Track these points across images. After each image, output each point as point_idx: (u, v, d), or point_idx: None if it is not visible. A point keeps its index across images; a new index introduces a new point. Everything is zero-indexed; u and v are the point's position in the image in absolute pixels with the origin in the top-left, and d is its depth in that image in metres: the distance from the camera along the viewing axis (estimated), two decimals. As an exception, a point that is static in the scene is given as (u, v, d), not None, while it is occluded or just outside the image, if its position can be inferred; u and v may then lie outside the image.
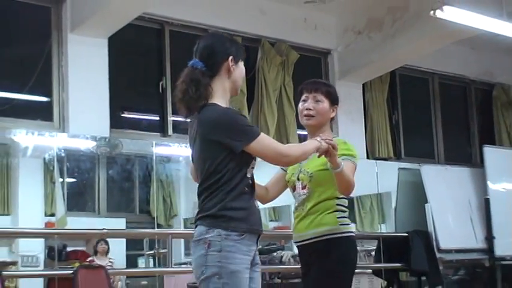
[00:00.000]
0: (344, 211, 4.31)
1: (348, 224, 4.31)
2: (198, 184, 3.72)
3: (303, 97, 4.43)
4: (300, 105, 4.44)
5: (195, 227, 3.66)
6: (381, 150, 11.41)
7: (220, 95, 3.69)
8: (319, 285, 4.18)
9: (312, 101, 4.38)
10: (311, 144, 3.80)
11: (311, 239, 4.24)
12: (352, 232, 4.32)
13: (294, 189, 4.35)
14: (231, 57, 3.76)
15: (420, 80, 12.49)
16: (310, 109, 4.37)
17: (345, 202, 4.33)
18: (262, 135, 3.64)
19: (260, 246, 13.41)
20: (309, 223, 4.26)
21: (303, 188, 4.29)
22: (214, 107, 3.65)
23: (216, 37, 3.96)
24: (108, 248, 10.62)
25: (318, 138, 3.82)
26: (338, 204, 4.27)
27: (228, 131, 3.58)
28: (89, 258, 10.49)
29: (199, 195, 3.67)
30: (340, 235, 4.21)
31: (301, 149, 3.77)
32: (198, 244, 3.57)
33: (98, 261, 10.28)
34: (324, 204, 4.22)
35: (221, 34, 4.03)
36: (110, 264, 10.68)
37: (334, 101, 4.48)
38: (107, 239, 10.45)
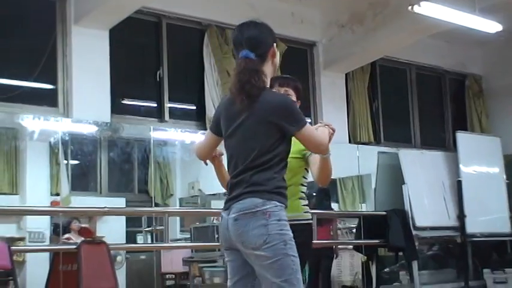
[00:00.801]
0: (305, 198, 4.32)
1: (308, 212, 4.32)
2: (239, 160, 3.61)
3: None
4: None
5: (238, 200, 3.54)
6: (362, 135, 11.43)
7: (267, 80, 3.68)
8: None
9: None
10: (326, 131, 3.77)
11: (292, 220, 4.01)
12: (311, 220, 4.33)
13: None
14: (275, 44, 3.75)
15: (398, 71, 12.49)
16: None
17: (305, 190, 4.34)
18: (308, 125, 3.62)
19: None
20: (290, 206, 4.11)
21: None
22: (272, 91, 3.72)
23: (259, 26, 3.81)
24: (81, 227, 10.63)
25: (323, 124, 3.82)
26: (301, 192, 4.27)
27: (286, 115, 3.56)
28: (66, 236, 10.44)
29: (244, 171, 3.56)
30: (303, 221, 4.21)
31: (328, 138, 3.76)
32: (254, 215, 3.47)
33: (74, 237, 10.27)
34: (290, 189, 4.16)
35: (261, 22, 3.85)
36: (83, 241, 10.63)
37: (299, 96, 4.41)
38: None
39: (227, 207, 3.58)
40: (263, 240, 3.44)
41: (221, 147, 3.88)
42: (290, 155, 4.04)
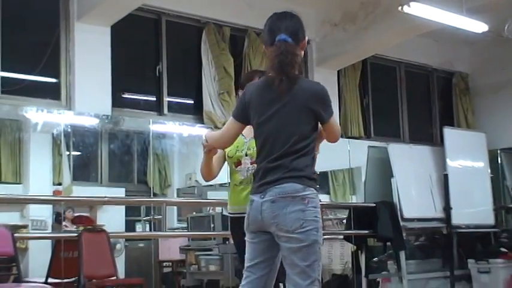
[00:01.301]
0: None
1: None
2: (277, 144, 3.52)
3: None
4: None
5: (276, 184, 3.48)
6: (353, 130, 11.45)
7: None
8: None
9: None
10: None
11: None
12: None
13: (238, 164, 4.24)
14: (307, 37, 3.73)
15: (388, 68, 12.49)
16: None
17: None
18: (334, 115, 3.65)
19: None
20: None
21: (253, 162, 4.11)
22: (306, 79, 3.77)
23: (297, 17, 3.80)
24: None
25: None
26: None
27: (323, 103, 3.55)
28: (63, 223, 10.45)
29: (283, 156, 3.49)
30: None
31: None
32: (293, 199, 3.44)
33: (69, 226, 10.28)
34: None
35: (296, 14, 3.84)
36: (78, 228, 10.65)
37: None
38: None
39: (261, 191, 3.51)
40: (299, 224, 3.42)
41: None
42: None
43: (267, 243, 3.56)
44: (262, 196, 3.50)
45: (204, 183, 10.82)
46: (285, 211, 3.43)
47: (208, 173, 4.13)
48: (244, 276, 3.63)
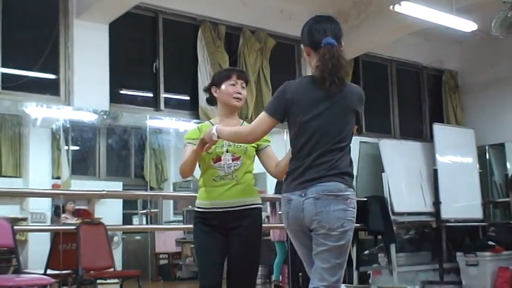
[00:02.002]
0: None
1: None
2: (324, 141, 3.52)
3: (232, 81, 4.24)
4: (230, 87, 4.23)
5: (320, 181, 3.48)
6: (345, 126, 11.45)
7: None
8: (249, 251, 4.20)
9: (240, 86, 4.26)
10: None
11: (241, 206, 4.13)
12: None
13: (217, 160, 4.15)
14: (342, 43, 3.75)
15: (380, 66, 12.50)
16: (240, 93, 4.27)
17: None
18: None
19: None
20: (242, 191, 4.16)
21: (235, 159, 4.16)
22: (350, 82, 3.72)
23: (338, 22, 3.84)
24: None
25: None
26: (253, 178, 4.27)
27: (362, 105, 3.67)
28: (62, 216, 10.46)
29: (327, 153, 3.51)
30: (260, 205, 4.25)
31: None
32: (336, 198, 3.46)
33: (70, 219, 10.30)
34: (249, 176, 4.20)
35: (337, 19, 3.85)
36: (76, 221, 10.67)
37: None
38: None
39: (301, 188, 3.50)
40: (341, 223, 3.46)
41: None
42: (250, 144, 4.07)
43: (310, 241, 3.57)
44: (303, 194, 3.49)
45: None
46: (328, 209, 3.45)
47: (191, 169, 4.12)
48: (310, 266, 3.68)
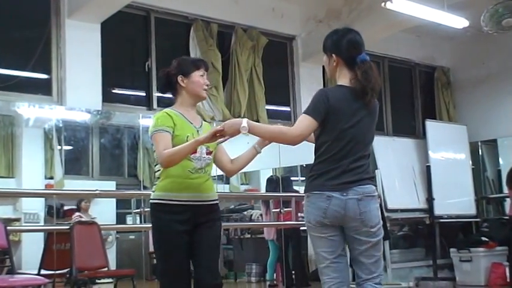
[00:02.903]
0: None
1: None
2: (358, 149, 3.82)
3: (201, 72, 4.25)
4: (201, 78, 4.24)
5: (359, 183, 3.76)
6: (338, 123, 11.44)
7: None
8: (217, 241, 4.24)
9: (205, 78, 4.29)
10: None
11: (212, 200, 4.17)
12: None
13: (193, 152, 4.06)
14: None
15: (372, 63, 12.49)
16: (208, 84, 4.33)
17: None
18: None
19: (232, 206, 13.40)
20: (211, 185, 4.20)
21: (208, 153, 4.15)
22: None
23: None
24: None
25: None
26: None
27: None
28: (76, 214, 10.49)
29: (362, 158, 3.82)
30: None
31: None
32: (373, 199, 3.78)
33: (84, 215, 10.32)
34: (211, 171, 4.22)
35: None
36: (93, 219, 10.70)
37: None
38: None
39: (341, 189, 3.73)
40: (378, 220, 3.79)
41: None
42: (215, 143, 4.02)
43: (341, 237, 3.80)
44: (344, 194, 3.72)
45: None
46: (369, 208, 3.74)
47: (183, 157, 4.00)
48: (333, 267, 3.78)
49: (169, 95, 4.34)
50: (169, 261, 4.05)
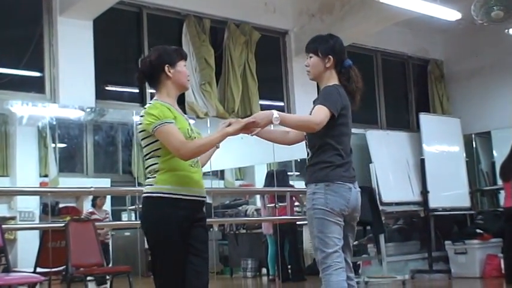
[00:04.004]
0: None
1: None
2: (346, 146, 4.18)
3: (184, 61, 4.09)
4: (185, 68, 4.10)
5: (353, 181, 4.16)
6: (332, 117, 11.44)
7: None
8: (208, 240, 4.08)
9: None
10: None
11: (204, 197, 4.02)
12: None
13: None
14: None
15: (365, 57, 12.51)
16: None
17: None
18: None
19: (227, 201, 13.37)
20: (203, 182, 4.05)
21: None
22: None
23: None
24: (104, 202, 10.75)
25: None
26: None
27: None
28: (90, 210, 10.53)
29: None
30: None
31: None
32: None
33: (98, 212, 10.36)
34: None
35: None
36: (107, 215, 10.77)
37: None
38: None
39: (354, 181, 4.16)
40: None
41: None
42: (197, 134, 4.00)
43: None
44: (355, 187, 4.14)
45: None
46: (361, 203, 4.21)
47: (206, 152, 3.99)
48: (339, 252, 4.03)
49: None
50: (170, 259, 3.86)
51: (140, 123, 3.94)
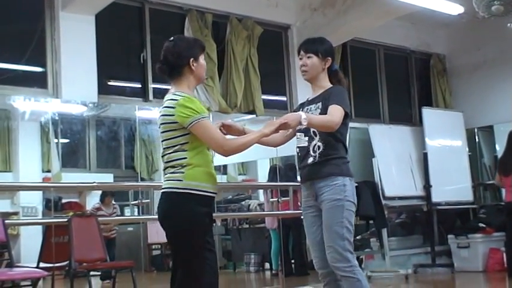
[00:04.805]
0: None
1: None
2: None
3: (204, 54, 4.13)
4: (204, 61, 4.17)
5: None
6: (334, 112, 11.41)
7: None
8: None
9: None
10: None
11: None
12: None
13: None
14: None
15: (368, 51, 12.48)
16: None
17: None
18: None
19: (230, 196, 13.37)
20: None
21: None
22: None
23: None
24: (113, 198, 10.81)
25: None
26: None
27: None
28: (97, 205, 10.55)
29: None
30: None
31: None
32: None
33: (105, 208, 10.39)
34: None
35: None
36: (115, 210, 10.80)
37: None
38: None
39: None
40: None
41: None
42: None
43: None
44: None
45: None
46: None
47: None
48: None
49: (165, 87, 4.24)
50: (209, 259, 3.85)
51: (167, 114, 3.88)
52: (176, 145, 3.85)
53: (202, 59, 4.04)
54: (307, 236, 4.41)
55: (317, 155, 4.24)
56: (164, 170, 3.94)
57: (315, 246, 4.30)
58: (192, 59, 3.96)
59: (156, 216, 3.91)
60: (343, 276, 4.11)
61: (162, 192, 3.89)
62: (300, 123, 3.98)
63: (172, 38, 4.09)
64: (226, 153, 3.85)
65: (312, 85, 4.54)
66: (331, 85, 4.41)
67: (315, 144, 4.25)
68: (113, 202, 11.03)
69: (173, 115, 3.84)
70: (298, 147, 4.40)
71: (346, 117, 4.25)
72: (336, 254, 4.09)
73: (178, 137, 3.85)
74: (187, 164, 3.83)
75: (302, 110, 4.35)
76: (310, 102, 4.44)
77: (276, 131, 3.99)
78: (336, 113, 4.14)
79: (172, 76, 4.03)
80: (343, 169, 4.25)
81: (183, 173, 3.82)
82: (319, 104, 4.30)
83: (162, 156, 3.95)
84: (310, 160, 4.26)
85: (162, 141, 3.92)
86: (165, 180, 3.90)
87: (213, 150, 3.88)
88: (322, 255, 4.20)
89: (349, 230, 4.13)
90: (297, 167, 4.53)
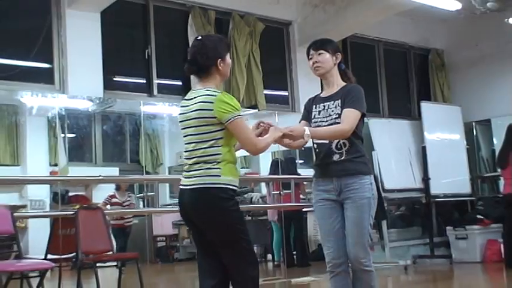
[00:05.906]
0: None
1: None
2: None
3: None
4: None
5: None
6: (335, 106, 11.41)
7: None
8: None
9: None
10: None
11: None
12: None
13: None
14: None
15: (367, 47, 12.48)
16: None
17: None
18: None
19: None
20: None
21: None
22: None
23: None
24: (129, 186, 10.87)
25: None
26: None
27: None
28: (111, 193, 10.58)
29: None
30: None
31: None
32: None
33: (119, 196, 10.43)
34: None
35: None
36: (128, 198, 10.83)
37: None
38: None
39: None
40: None
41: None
42: None
43: None
44: None
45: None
46: None
47: None
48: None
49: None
50: (245, 244, 3.88)
51: (205, 109, 3.85)
52: (211, 140, 3.81)
53: (228, 58, 4.05)
54: (320, 226, 4.35)
55: (344, 152, 4.20)
56: (192, 164, 3.86)
57: (330, 236, 4.24)
58: (219, 60, 3.97)
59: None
60: (365, 270, 4.19)
61: (195, 188, 3.82)
62: (303, 138, 4.09)
63: (200, 37, 4.08)
64: (257, 152, 4.00)
65: (325, 81, 4.47)
66: (344, 83, 4.41)
67: (339, 142, 4.21)
68: (128, 192, 11.08)
69: (212, 110, 3.82)
70: (316, 143, 4.32)
71: (363, 115, 4.33)
72: (363, 250, 4.20)
73: (214, 131, 3.82)
74: (222, 160, 3.81)
75: (314, 107, 4.36)
76: (325, 99, 4.36)
77: (283, 141, 4.17)
78: (349, 119, 4.18)
79: (199, 75, 4.03)
80: (370, 168, 4.34)
81: (219, 168, 3.80)
82: (339, 102, 4.27)
83: (191, 151, 3.86)
84: (336, 157, 4.21)
85: (192, 135, 3.86)
86: (196, 176, 3.83)
87: (245, 148, 3.89)
88: (338, 245, 4.21)
89: (371, 226, 4.30)
90: (315, 163, 4.38)
